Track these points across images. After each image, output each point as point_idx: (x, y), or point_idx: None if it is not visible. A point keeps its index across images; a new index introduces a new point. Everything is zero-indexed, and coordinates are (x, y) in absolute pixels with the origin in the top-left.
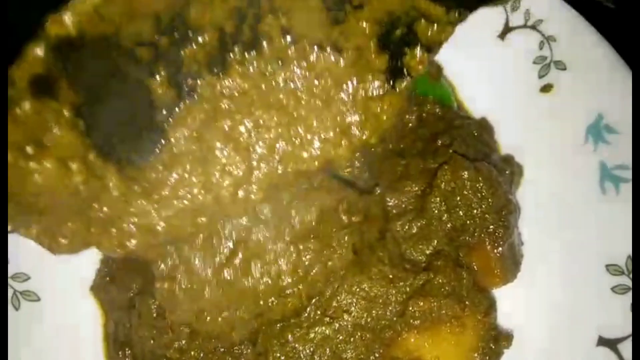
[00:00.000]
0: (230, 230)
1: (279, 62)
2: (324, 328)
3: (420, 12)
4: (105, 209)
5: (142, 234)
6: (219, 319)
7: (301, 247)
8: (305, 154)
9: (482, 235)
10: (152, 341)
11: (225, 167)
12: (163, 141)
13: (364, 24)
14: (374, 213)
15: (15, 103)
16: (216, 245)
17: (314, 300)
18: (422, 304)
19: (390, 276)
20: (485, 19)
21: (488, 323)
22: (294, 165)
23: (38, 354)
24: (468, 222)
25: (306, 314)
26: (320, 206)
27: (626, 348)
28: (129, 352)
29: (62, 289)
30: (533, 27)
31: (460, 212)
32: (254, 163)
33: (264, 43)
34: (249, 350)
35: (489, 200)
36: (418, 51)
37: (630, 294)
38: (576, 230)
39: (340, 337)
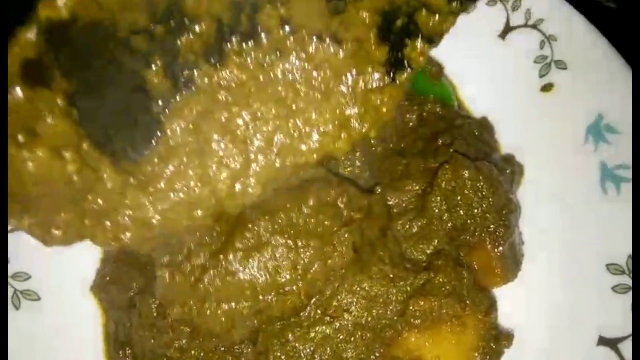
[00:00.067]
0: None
1: (278, 53)
2: (324, 327)
3: (422, 1)
4: (99, 200)
5: (136, 227)
6: (219, 311)
7: (300, 244)
8: (303, 147)
9: (483, 234)
10: (152, 340)
11: (222, 160)
12: (159, 133)
13: (364, 14)
14: (375, 211)
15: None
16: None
17: (314, 300)
18: (422, 303)
19: (391, 275)
20: (485, 19)
21: (489, 322)
22: (293, 159)
23: (38, 354)
24: (469, 221)
25: (306, 313)
26: (318, 197)
27: (626, 348)
28: (129, 351)
29: (63, 289)
30: (534, 27)
31: (461, 211)
32: (252, 156)
33: (262, 33)
34: (249, 350)
35: (490, 199)
36: (419, 42)
37: (630, 293)
38: (577, 229)
39: (341, 337)
